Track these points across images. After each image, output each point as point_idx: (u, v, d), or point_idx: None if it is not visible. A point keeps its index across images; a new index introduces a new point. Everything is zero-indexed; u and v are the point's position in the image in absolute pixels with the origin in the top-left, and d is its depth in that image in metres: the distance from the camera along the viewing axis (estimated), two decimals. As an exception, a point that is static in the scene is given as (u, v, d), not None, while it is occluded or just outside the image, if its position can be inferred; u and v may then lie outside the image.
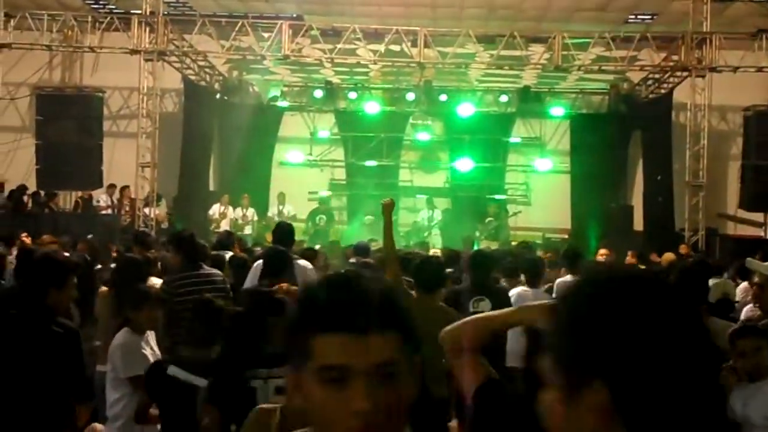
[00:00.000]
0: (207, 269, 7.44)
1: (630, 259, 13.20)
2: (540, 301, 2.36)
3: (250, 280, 7.52)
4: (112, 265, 9.55)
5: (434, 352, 5.38)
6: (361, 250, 10.12)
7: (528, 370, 2.46)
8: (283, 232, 8.19)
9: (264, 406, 3.46)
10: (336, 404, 1.48)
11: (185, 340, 5.14)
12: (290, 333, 1.60)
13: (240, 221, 19.22)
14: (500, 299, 7.11)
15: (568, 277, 8.99)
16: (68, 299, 4.75)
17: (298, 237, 17.41)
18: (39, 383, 4.16)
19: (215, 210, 19.36)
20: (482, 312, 6.99)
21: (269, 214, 20.08)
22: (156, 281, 8.03)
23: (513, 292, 7.89)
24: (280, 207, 20.22)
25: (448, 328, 2.57)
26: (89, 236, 13.69)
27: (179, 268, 7.29)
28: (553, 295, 8.48)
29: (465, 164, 21.49)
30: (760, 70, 17.91)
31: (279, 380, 3.97)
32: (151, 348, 5.59)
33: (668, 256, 12.82)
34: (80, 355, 4.59)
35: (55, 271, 4.57)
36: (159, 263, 8.77)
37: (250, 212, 19.63)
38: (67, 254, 7.12)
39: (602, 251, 13.13)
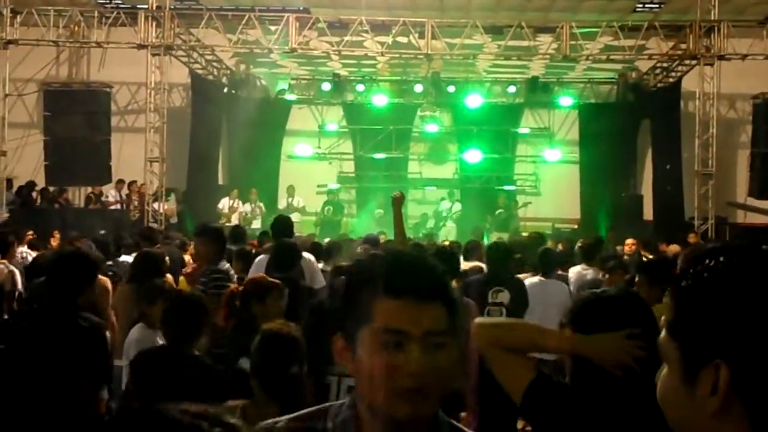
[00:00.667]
0: (226, 263, 7.44)
1: (634, 248, 12.81)
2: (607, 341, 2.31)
3: (253, 273, 7.50)
4: (121, 259, 9.62)
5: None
6: (371, 241, 10.12)
7: (577, 359, 2.42)
8: (282, 225, 8.19)
9: (230, 402, 3.49)
10: (392, 366, 1.60)
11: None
12: (352, 294, 1.71)
13: (249, 215, 19.24)
14: (518, 290, 7.13)
15: (582, 267, 8.97)
16: (95, 294, 4.92)
17: (308, 230, 17.58)
18: (67, 375, 4.22)
19: (224, 204, 19.39)
20: (501, 302, 7.03)
21: (279, 206, 20.10)
22: (168, 276, 8.04)
23: (527, 282, 7.89)
24: (290, 199, 20.25)
25: (490, 322, 2.55)
26: (101, 232, 13.73)
27: (211, 261, 7.23)
28: (569, 285, 8.49)
29: (474, 155, 21.48)
30: (768, 57, 17.83)
31: (351, 380, 3.98)
32: None
33: (674, 247, 12.72)
34: (105, 346, 4.64)
35: (88, 269, 4.72)
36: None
37: (259, 206, 19.66)
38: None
39: (629, 241, 12.82)
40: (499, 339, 2.44)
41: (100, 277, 7.60)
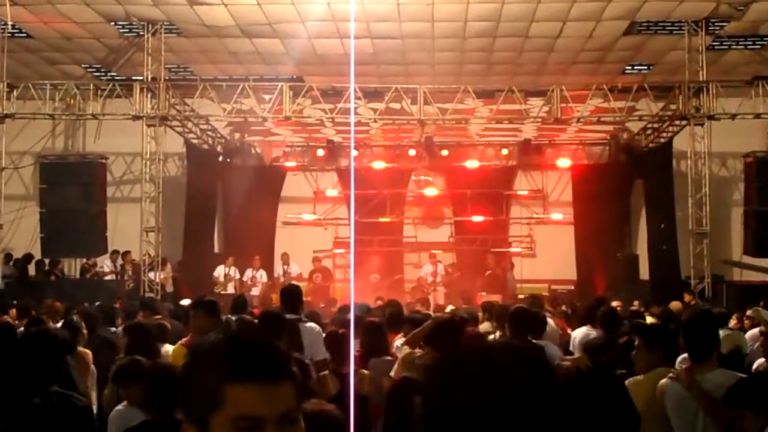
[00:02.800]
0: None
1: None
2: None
3: None
4: (113, 329, 9.53)
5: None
6: (361, 310, 10.02)
7: None
8: (292, 294, 8.14)
9: None
10: None
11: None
12: (197, 382, 1.64)
13: (249, 282, 19.22)
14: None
15: (587, 328, 8.90)
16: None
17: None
18: None
19: (220, 272, 19.36)
20: None
21: (275, 274, 20.07)
22: (168, 348, 7.97)
23: None
24: (285, 267, 20.22)
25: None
26: (97, 303, 13.64)
27: (208, 332, 7.20)
28: (571, 348, 8.44)
29: (469, 218, 21.53)
30: (758, 116, 18.00)
31: None
32: None
33: (675, 304, 12.73)
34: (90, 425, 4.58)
35: (56, 351, 4.62)
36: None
37: (260, 273, 19.63)
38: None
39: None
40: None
41: (80, 349, 7.58)
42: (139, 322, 8.06)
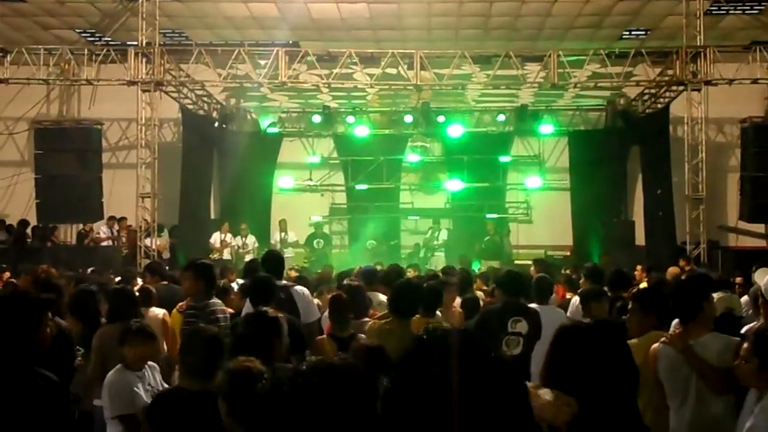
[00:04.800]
0: (214, 299, 7.41)
1: (639, 273, 13.19)
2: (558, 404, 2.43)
3: (247, 309, 7.54)
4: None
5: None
6: (368, 274, 10.08)
7: None
8: (273, 260, 8.19)
9: None
10: None
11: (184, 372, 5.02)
12: None
13: (241, 250, 19.21)
14: (534, 320, 7.13)
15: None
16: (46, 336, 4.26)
17: (299, 263, 17.54)
18: None
19: (216, 238, 19.36)
20: (519, 332, 7.02)
21: (272, 241, 20.09)
22: (158, 311, 8.00)
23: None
24: (282, 234, 20.22)
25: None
26: (90, 269, 13.68)
27: (200, 296, 7.22)
28: (569, 313, 8.48)
29: (465, 184, 21.53)
30: (755, 81, 17.95)
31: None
32: (150, 384, 5.47)
33: (673, 270, 12.77)
34: (65, 404, 4.45)
35: (31, 311, 4.18)
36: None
37: (251, 240, 19.62)
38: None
39: (639, 267, 13.39)
40: None
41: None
42: (120, 287, 8.02)
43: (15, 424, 3.75)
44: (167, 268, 12.31)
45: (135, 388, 5.33)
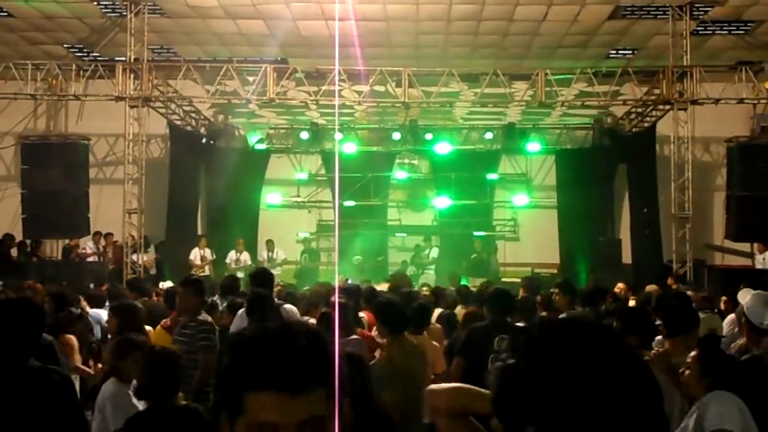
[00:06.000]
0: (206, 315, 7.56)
1: (621, 291, 13.22)
2: None
3: (236, 326, 7.58)
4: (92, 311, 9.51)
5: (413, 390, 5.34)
6: (349, 291, 10.06)
7: None
8: (261, 277, 8.27)
9: None
10: None
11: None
12: (223, 387, 1.64)
13: (233, 265, 19.19)
14: (520, 338, 7.13)
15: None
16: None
17: (288, 280, 17.51)
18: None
19: (195, 255, 19.31)
20: (505, 350, 7.04)
21: (260, 258, 20.08)
22: (147, 328, 7.98)
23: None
24: (270, 253, 20.23)
25: (433, 389, 2.60)
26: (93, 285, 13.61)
27: (193, 313, 7.32)
28: None
29: (452, 202, 21.56)
30: (741, 101, 18.08)
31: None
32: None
33: (651, 287, 12.81)
34: (73, 398, 4.54)
35: (35, 319, 4.50)
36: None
37: (245, 256, 19.60)
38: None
39: (620, 285, 13.47)
40: (435, 400, 2.52)
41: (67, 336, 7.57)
42: (128, 302, 8.06)
43: (37, 412, 4.04)
44: (156, 283, 12.30)
45: (133, 401, 5.37)
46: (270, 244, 20.41)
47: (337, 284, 11.22)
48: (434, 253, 21.06)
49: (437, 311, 9.20)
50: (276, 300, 8.48)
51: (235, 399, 1.59)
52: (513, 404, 1.40)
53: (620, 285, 13.65)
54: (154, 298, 11.58)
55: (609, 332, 1.62)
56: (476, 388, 2.61)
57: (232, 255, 19.65)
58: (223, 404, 1.63)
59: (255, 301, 7.31)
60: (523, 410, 1.37)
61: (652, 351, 5.06)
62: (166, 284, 13.66)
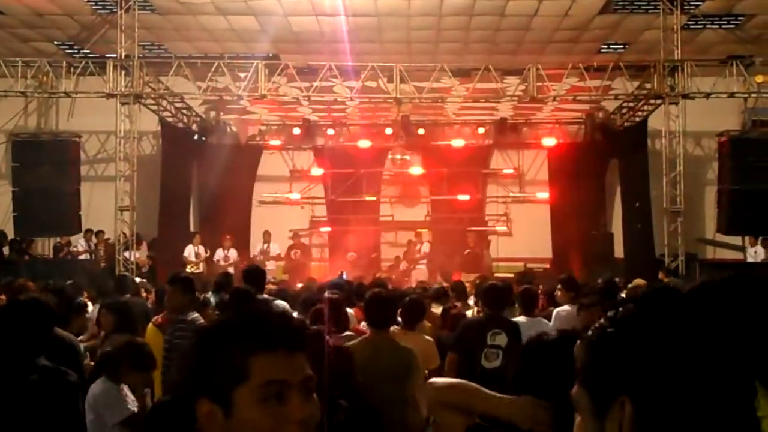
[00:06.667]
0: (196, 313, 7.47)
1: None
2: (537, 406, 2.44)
3: None
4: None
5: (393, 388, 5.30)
6: (336, 286, 10.06)
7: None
8: (254, 274, 8.21)
9: None
10: (275, 419, 1.62)
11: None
12: (221, 358, 1.67)
13: (222, 262, 19.16)
14: (514, 333, 7.13)
15: (567, 307, 8.98)
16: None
17: (278, 276, 17.49)
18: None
19: (190, 251, 19.27)
20: (499, 345, 7.04)
21: (255, 252, 20.07)
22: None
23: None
24: (265, 245, 20.21)
25: (437, 384, 2.62)
26: (69, 282, 13.53)
27: (184, 310, 7.26)
28: (551, 323, 8.50)
29: (445, 197, 21.57)
30: (731, 95, 18.12)
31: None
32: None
33: (638, 281, 12.84)
34: (75, 397, 4.54)
35: (46, 318, 4.57)
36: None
37: (233, 253, 19.58)
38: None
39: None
40: (443, 397, 2.56)
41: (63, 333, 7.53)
42: (123, 300, 8.05)
43: (42, 411, 4.09)
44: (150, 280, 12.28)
45: (121, 393, 5.39)
46: (266, 236, 20.41)
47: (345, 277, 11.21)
48: (426, 248, 21.06)
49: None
50: (267, 296, 8.43)
51: (240, 365, 1.64)
52: (607, 373, 1.38)
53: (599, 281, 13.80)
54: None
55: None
56: (475, 385, 2.63)
57: (219, 252, 19.60)
58: (219, 377, 1.65)
59: (235, 299, 7.20)
60: (618, 379, 1.37)
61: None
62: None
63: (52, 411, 4.15)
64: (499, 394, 2.56)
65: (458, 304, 10.53)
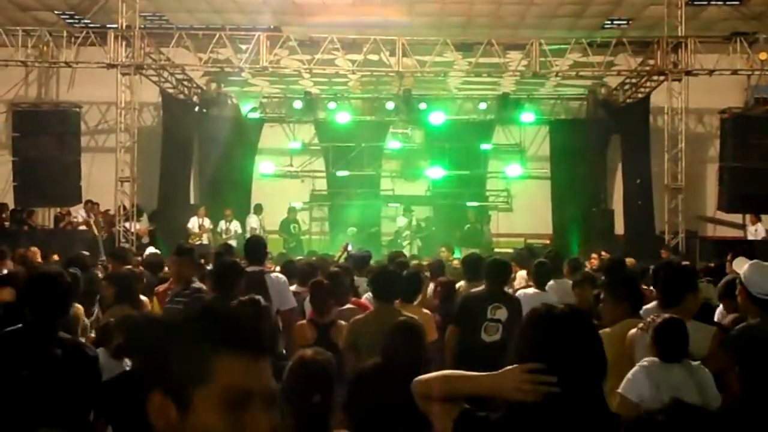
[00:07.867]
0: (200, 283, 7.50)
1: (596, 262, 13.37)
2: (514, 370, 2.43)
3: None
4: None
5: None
6: (361, 260, 10.10)
7: None
8: (257, 245, 8.12)
9: None
10: (235, 429, 1.52)
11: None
12: (181, 354, 1.57)
13: (224, 235, 19.16)
14: (515, 308, 7.14)
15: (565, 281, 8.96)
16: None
17: (277, 249, 17.47)
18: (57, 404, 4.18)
19: (194, 223, 19.27)
20: (499, 319, 7.06)
21: (253, 225, 20.07)
22: (143, 298, 7.94)
23: (522, 293, 7.92)
24: (260, 217, 20.21)
25: (421, 379, 2.63)
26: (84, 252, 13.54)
27: (188, 281, 7.31)
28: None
29: (445, 172, 21.53)
30: (735, 72, 18.05)
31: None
32: None
33: (629, 260, 12.87)
34: (95, 369, 4.56)
35: (68, 290, 4.67)
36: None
37: (234, 225, 19.57)
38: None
39: (594, 255, 13.85)
40: (427, 391, 2.57)
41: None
42: (125, 271, 8.06)
43: (64, 382, 4.16)
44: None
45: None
46: (258, 209, 20.41)
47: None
48: (415, 222, 20.92)
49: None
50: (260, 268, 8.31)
51: (200, 365, 1.54)
52: None
53: (594, 255, 14.07)
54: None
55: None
56: (461, 372, 2.63)
57: (222, 225, 19.61)
58: (178, 375, 1.56)
59: (219, 272, 7.02)
60: None
61: (649, 319, 5.05)
62: (150, 250, 13.66)
63: (76, 385, 4.21)
64: (482, 373, 2.55)
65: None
